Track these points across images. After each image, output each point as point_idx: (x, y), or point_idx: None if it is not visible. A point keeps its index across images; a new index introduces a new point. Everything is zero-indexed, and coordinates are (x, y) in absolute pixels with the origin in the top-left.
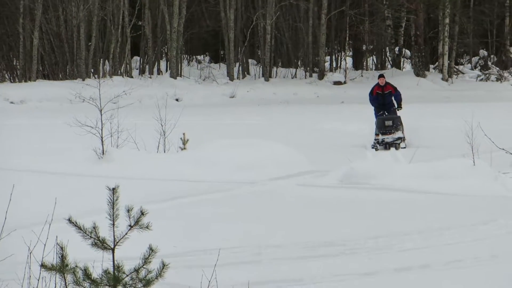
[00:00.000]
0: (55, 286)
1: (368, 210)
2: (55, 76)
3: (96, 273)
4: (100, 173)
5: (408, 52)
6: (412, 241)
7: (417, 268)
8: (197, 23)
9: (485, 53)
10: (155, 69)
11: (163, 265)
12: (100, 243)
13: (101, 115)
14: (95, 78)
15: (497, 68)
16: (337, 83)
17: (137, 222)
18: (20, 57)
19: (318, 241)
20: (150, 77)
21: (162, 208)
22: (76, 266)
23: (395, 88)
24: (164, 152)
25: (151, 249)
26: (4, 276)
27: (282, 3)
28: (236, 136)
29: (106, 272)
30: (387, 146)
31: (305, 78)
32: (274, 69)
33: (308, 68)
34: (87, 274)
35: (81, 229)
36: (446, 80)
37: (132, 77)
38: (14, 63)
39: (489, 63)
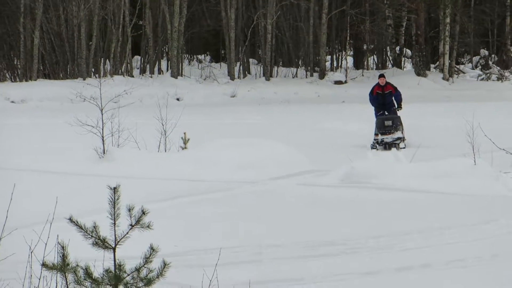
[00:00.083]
0: (56, 285)
1: (369, 209)
2: (56, 76)
3: (97, 272)
4: (101, 173)
5: (409, 52)
6: (413, 240)
7: (418, 267)
8: (198, 23)
9: (486, 52)
10: (156, 69)
11: (164, 265)
12: (101, 243)
13: (102, 114)
14: (96, 77)
15: (498, 68)
16: (338, 82)
17: (138, 221)
18: (21, 56)
19: (319, 240)
20: (151, 77)
21: (162, 207)
22: (77, 266)
23: (395, 88)
24: (165, 151)
25: (152, 249)
26: (5, 276)
27: (283, 2)
28: (237, 135)
29: (107, 271)
30: (386, 146)
31: (306, 77)
32: (275, 68)
33: (309, 68)
34: (88, 274)
35: (82, 229)
36: (447, 80)
37: (133, 76)
38: (15, 63)
39: (490, 62)
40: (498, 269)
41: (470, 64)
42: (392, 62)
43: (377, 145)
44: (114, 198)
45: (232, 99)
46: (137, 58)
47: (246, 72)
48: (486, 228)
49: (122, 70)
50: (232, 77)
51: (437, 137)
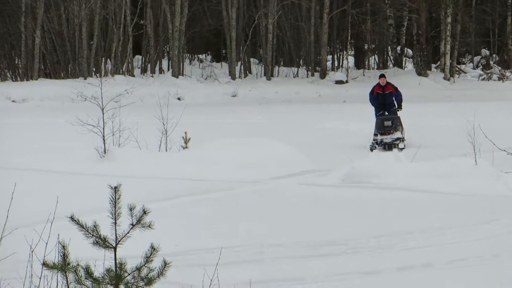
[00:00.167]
0: (57, 284)
1: (370, 209)
2: (57, 75)
3: (98, 271)
4: (101, 172)
5: (410, 51)
6: (414, 240)
7: (419, 267)
8: (199, 22)
9: (487, 52)
10: (157, 68)
11: (165, 264)
12: (102, 242)
13: (103, 114)
14: (97, 77)
15: (499, 68)
16: (339, 82)
17: (139, 221)
18: (22, 55)
19: (320, 240)
20: (152, 76)
21: (163, 207)
22: (78, 265)
23: (396, 88)
24: (166, 151)
25: (153, 248)
26: (6, 275)
27: (284, 2)
28: (238, 135)
29: (108, 270)
30: (386, 146)
31: (307, 77)
32: (276, 68)
33: (310, 67)
34: (89, 273)
35: (83, 228)
36: (448, 79)
37: (134, 76)
38: (16, 62)
39: (491, 62)
40: (499, 269)
41: (471, 64)
42: (393, 61)
43: (377, 146)
44: (115, 197)
45: (233, 99)
46: (138, 57)
47: (247, 71)
48: (487, 228)
49: (123, 70)
50: (233, 77)
51: (438, 137)
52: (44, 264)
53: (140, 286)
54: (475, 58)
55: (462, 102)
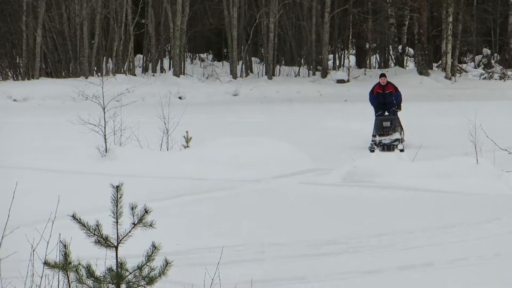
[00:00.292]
0: (58, 283)
1: (371, 208)
2: (58, 74)
3: (99, 270)
4: (103, 171)
5: (411, 51)
6: (416, 239)
7: (420, 266)
8: (200, 21)
9: (489, 51)
10: (158, 67)
11: (166, 263)
12: (103, 241)
13: (104, 113)
14: (98, 76)
15: (501, 67)
16: (340, 81)
17: (141, 220)
18: (23, 55)
19: (321, 239)
20: (153, 75)
21: (165, 206)
22: (79, 264)
23: (396, 88)
24: (167, 150)
25: (154, 247)
26: (7, 274)
27: (285, 1)
28: (239, 134)
29: (109, 269)
30: (384, 147)
31: (308, 76)
32: (277, 67)
33: (311, 66)
34: (90, 272)
35: (85, 226)
36: (449, 79)
37: (135, 75)
38: (17, 61)
39: (493, 61)
40: (501, 268)
41: (472, 63)
42: (394, 61)
43: (375, 146)
44: (117, 196)
45: (234, 98)
46: (140, 56)
47: (249, 70)
48: (488, 227)
49: (124, 69)
50: (234, 76)
51: (440, 136)
52: (46, 263)
53: (142, 285)
54: (476, 57)
55: (463, 101)
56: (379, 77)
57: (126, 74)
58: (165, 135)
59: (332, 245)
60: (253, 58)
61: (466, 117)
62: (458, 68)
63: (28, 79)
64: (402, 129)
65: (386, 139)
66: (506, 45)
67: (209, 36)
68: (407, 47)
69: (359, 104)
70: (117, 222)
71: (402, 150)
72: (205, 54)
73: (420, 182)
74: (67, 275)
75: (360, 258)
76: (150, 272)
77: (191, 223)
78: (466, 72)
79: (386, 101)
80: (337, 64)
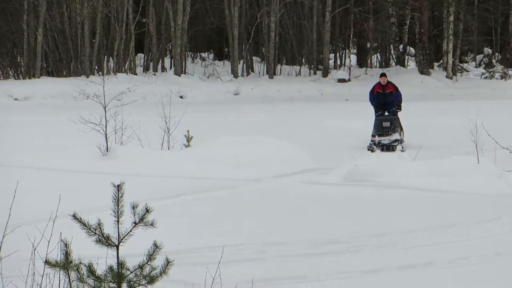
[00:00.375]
0: (59, 282)
1: (372, 207)
2: (59, 73)
3: (100, 269)
4: (104, 170)
5: (412, 50)
6: (416, 238)
7: (421, 265)
8: (201, 20)
9: (490, 51)
10: (159, 66)
11: (167, 262)
12: (104, 240)
13: (105, 112)
14: (99, 75)
15: (502, 66)
16: (341, 80)
17: (142, 219)
18: (24, 54)
19: (322, 238)
20: (154, 74)
21: (166, 205)
22: (80, 263)
23: (396, 88)
24: (168, 149)
25: (155, 246)
26: (8, 273)
27: (287, 0)
28: (240, 133)
29: (110, 268)
30: (383, 148)
31: (309, 75)
32: (278, 66)
33: (312, 66)
34: (91, 271)
35: (85, 226)
36: (451, 78)
37: (136, 74)
38: (18, 60)
39: (494, 61)
40: (502, 267)
41: (473, 63)
42: (395, 60)
43: (374, 147)
44: (118, 195)
45: (235, 97)
46: (141, 55)
47: (250, 70)
48: (489, 227)
49: (126, 68)
50: (235, 75)
51: (441, 135)
52: (47, 262)
53: (143, 285)
54: (477, 56)
55: (464, 101)
56: (380, 77)
57: (127, 73)
58: (166, 134)
59: (333, 244)
60: (254, 57)
61: (467, 116)
62: (459, 67)
63: (29, 78)
64: (402, 129)
65: (385, 140)
66: (507, 45)
67: (210, 35)
68: (408, 47)
69: (360, 104)
70: (118, 221)
71: (401, 151)
72: (206, 53)
73: (421, 181)
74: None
75: (361, 258)
76: (151, 271)
77: (192, 222)
78: (467, 71)
79: (386, 101)
80: (338, 63)
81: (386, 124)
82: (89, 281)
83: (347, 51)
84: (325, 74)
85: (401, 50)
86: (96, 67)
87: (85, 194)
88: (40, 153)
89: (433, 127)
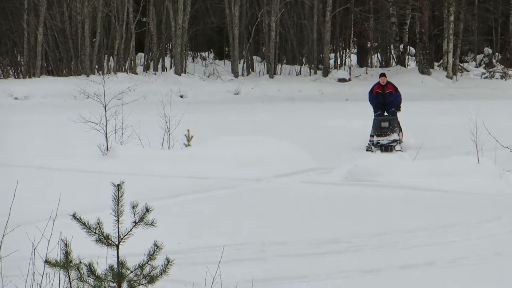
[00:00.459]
0: (59, 282)
1: (373, 207)
2: (59, 72)
3: (100, 269)
4: (104, 170)
5: (412, 50)
6: (417, 238)
7: (421, 265)
8: (201, 20)
9: (490, 50)
10: (160, 66)
11: (168, 262)
12: (104, 239)
13: (106, 111)
14: (99, 74)
15: (502, 66)
16: (342, 80)
17: (142, 218)
18: (24, 53)
19: (323, 238)
20: (155, 74)
21: (166, 204)
22: (80, 262)
23: (396, 89)
24: (169, 148)
25: (156, 245)
26: (8, 272)
27: (287, 0)
28: (241, 133)
29: (110, 268)
30: (382, 148)
31: (310, 75)
32: (279, 66)
33: (313, 65)
34: (91, 270)
35: (85, 225)
36: (451, 78)
37: (136, 73)
38: (18, 59)
39: (494, 60)
40: (502, 267)
41: (474, 62)
42: (396, 60)
43: (373, 147)
44: (118, 195)
45: (235, 97)
46: (141, 55)
47: (250, 69)
48: (489, 226)
49: (126, 67)
50: (236, 75)
51: (441, 135)
52: (47, 261)
53: (143, 284)
54: (477, 56)
55: (465, 101)
56: (379, 77)
57: (127, 73)
58: (167, 134)
59: (333, 244)
60: (254, 57)
61: (467, 116)
62: (459, 67)
63: (30, 77)
64: (400, 130)
65: (384, 140)
66: (508, 44)
67: (211, 34)
68: (408, 46)
69: (361, 103)
70: (118, 220)
71: (400, 151)
72: (207, 52)
73: (421, 181)
74: (68, 274)
75: (361, 257)
76: (152, 271)
77: (192, 222)
78: (468, 71)
79: (385, 101)
80: (339, 63)
81: (385, 124)
82: (89, 280)
83: (347, 50)
84: (326, 73)
85: (401, 49)
86: (97, 66)
87: (85, 193)
88: (40, 152)
89: (433, 127)
